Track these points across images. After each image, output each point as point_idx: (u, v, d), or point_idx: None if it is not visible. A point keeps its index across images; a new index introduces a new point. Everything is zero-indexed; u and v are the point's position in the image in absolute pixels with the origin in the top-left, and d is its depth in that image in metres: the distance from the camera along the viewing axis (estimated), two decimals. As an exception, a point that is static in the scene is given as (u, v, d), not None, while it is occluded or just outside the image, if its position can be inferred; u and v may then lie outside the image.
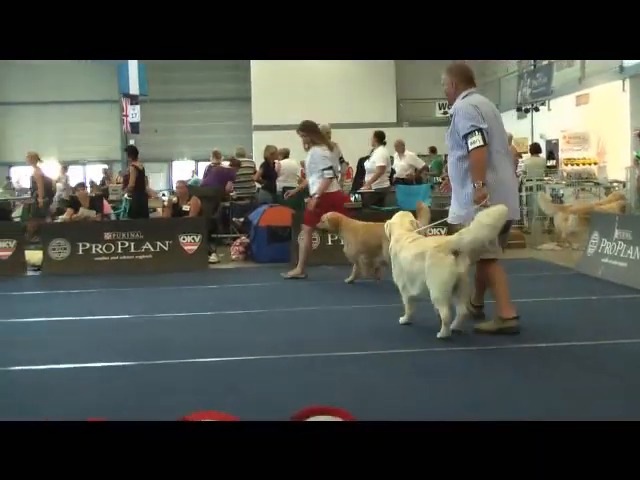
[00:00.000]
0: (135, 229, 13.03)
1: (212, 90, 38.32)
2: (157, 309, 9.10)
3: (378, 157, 15.22)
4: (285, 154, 18.20)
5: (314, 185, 11.25)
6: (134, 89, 28.06)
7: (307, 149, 11.49)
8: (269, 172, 17.00)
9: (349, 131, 25.46)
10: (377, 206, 15.03)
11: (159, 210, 18.17)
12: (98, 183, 28.24)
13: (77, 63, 36.97)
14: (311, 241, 11.56)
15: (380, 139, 15.53)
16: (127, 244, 12.87)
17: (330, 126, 15.71)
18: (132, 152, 16.48)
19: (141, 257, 12.76)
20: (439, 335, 6.71)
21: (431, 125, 34.26)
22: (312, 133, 11.52)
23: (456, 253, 6.57)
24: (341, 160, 16.08)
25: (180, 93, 38.19)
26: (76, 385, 5.74)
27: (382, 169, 15.03)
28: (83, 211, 14.61)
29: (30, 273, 12.93)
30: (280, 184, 17.08)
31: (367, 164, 15.99)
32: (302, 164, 18.65)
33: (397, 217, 7.66)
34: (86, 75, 37.92)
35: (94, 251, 12.86)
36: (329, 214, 10.68)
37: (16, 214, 17.90)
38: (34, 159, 16.95)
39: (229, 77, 38.09)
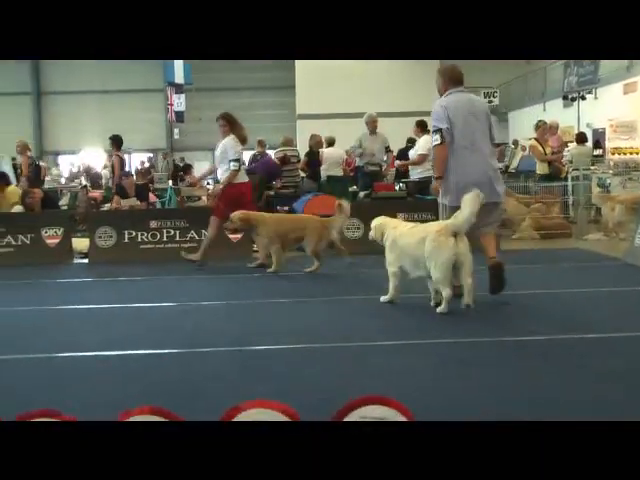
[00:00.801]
0: (180, 217, 13.14)
1: (257, 79, 38.40)
2: (203, 297, 9.15)
3: (420, 146, 15.17)
4: (330, 142, 18.21)
5: (223, 175, 11.57)
6: (179, 78, 28.24)
7: (223, 137, 11.78)
8: (314, 161, 17.01)
9: (395, 120, 25.39)
10: (421, 195, 14.98)
11: (204, 199, 18.25)
12: (144, 171, 28.40)
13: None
14: (216, 232, 11.67)
15: (423, 128, 15.50)
16: (172, 232, 12.97)
17: (376, 115, 15.71)
18: (116, 141, 16.62)
19: (186, 245, 12.81)
20: (439, 310, 7.38)
21: (476, 113, 34.09)
22: (232, 123, 11.78)
23: (455, 235, 7.31)
24: (387, 149, 16.07)
25: (225, 82, 38.32)
26: (123, 372, 5.80)
27: (423, 157, 14.96)
28: (127, 200, 14.74)
29: (77, 260, 13.08)
30: (324, 173, 17.09)
31: (411, 152, 15.97)
32: (346, 152, 18.68)
33: (382, 218, 8.32)
34: (132, 64, 38.14)
35: (140, 239, 12.99)
36: (237, 213, 10.93)
37: (63, 202, 18.09)
38: (24, 149, 17.10)
39: (273, 66, 38.11)
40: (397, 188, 17.10)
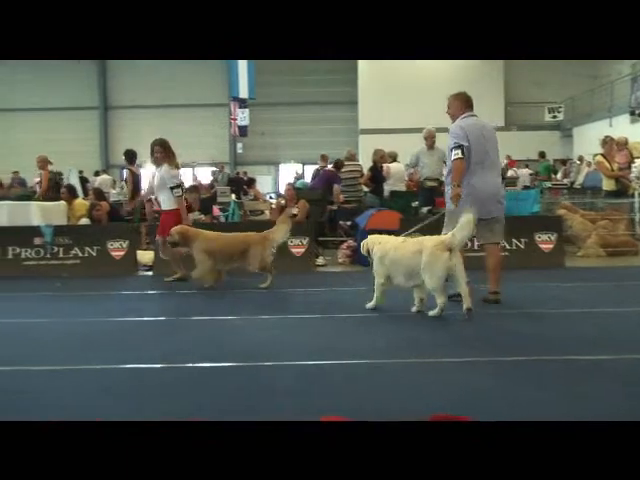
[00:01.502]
0: (243, 231, 13.16)
1: (319, 93, 38.49)
2: (263, 311, 9.17)
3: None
4: (394, 158, 18.18)
5: (165, 202, 12.04)
6: (243, 93, 28.43)
7: (157, 165, 12.03)
8: (377, 176, 17.00)
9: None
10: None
11: (267, 212, 18.34)
12: (207, 185, 28.60)
13: (189, 67, 37.76)
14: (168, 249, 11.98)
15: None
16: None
17: (435, 130, 15.64)
18: (130, 156, 16.72)
19: (249, 259, 12.89)
20: (431, 314, 8.28)
21: (540, 129, 33.79)
22: (167, 150, 12.03)
23: (450, 250, 8.17)
24: (446, 164, 15.96)
25: (287, 96, 38.50)
26: (186, 384, 5.84)
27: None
28: (192, 215, 14.86)
29: (141, 273, 13.22)
30: (388, 188, 17.05)
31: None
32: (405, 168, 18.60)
33: (372, 236, 9.19)
34: (196, 79, 38.60)
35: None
36: (177, 228, 11.26)
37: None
38: (45, 163, 17.31)
39: (336, 80, 38.20)
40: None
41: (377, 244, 8.87)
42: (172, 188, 11.82)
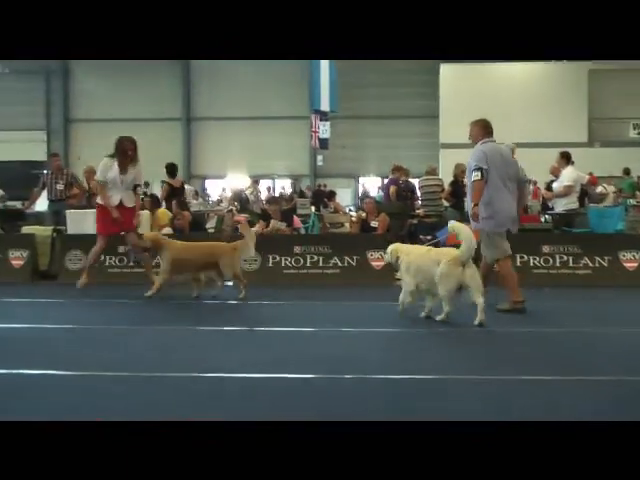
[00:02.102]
0: (324, 244, 13.23)
1: (400, 107, 38.43)
2: (343, 323, 9.17)
3: (566, 177, 14.92)
4: (474, 172, 18.02)
5: (129, 199, 12.11)
6: (325, 105, 28.46)
7: (131, 163, 12.03)
8: (458, 190, 16.87)
9: (537, 150, 24.96)
10: (567, 227, 14.66)
11: (347, 225, 18.35)
12: (287, 197, 28.80)
13: (270, 80, 38.07)
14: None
15: (567, 159, 15.24)
16: (316, 258, 13.08)
17: (514, 145, 15.45)
18: (170, 170, 17.10)
19: (329, 271, 12.94)
20: (438, 318, 9.05)
21: (624, 146, 33.18)
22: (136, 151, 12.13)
23: (463, 264, 8.84)
24: (525, 180, 15.81)
25: (369, 110, 38.53)
26: (267, 393, 5.88)
27: (569, 189, 14.66)
28: (274, 223, 14.92)
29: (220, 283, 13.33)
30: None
31: (555, 185, 15.68)
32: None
33: (396, 244, 9.88)
34: (278, 92, 38.89)
35: (283, 264, 13.16)
36: (150, 234, 11.68)
37: (210, 225, 18.51)
38: (91, 174, 17.53)
39: (417, 94, 38.12)
40: (542, 220, 16.78)
41: (404, 254, 9.47)
42: (138, 186, 12.14)
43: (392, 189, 17.49)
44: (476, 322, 8.74)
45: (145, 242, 11.42)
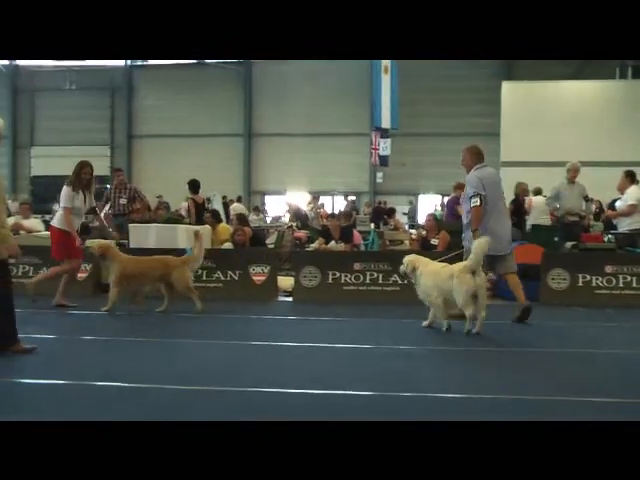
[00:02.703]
0: (383, 261, 13.19)
1: (461, 125, 38.22)
2: (403, 341, 9.13)
3: (630, 196, 14.70)
4: (536, 191, 17.88)
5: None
6: (386, 123, 28.51)
7: (88, 185, 11.97)
8: (519, 209, 16.75)
9: (601, 169, 24.62)
10: (631, 248, 14.43)
11: (406, 242, 18.29)
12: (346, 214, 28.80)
13: (332, 96, 38.22)
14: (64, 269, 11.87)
15: (632, 178, 15.02)
16: (375, 275, 13.05)
17: (579, 164, 15.27)
18: (192, 187, 17.26)
19: (389, 289, 12.90)
20: (466, 329, 9.44)
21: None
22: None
23: (473, 272, 9.43)
24: (586, 199, 15.64)
25: (429, 127, 38.43)
26: (316, 411, 5.86)
27: (633, 208, 14.46)
28: (333, 245, 14.94)
29: (281, 298, 13.37)
30: (530, 221, 16.77)
31: (618, 203, 15.48)
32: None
33: (413, 255, 10.57)
34: (339, 108, 39.00)
35: (343, 280, 13.15)
36: (99, 241, 11.80)
37: (270, 240, 18.58)
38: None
39: (478, 112, 37.89)
40: (606, 239, 16.54)
41: (423, 266, 10.09)
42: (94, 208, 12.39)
43: (459, 209, 17.23)
44: (473, 331, 9.46)
45: (94, 249, 11.46)
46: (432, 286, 9.82)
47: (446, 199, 23.59)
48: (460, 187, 17.85)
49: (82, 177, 11.81)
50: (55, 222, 11.86)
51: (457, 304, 9.55)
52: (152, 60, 41.44)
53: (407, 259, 10.37)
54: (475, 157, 11.02)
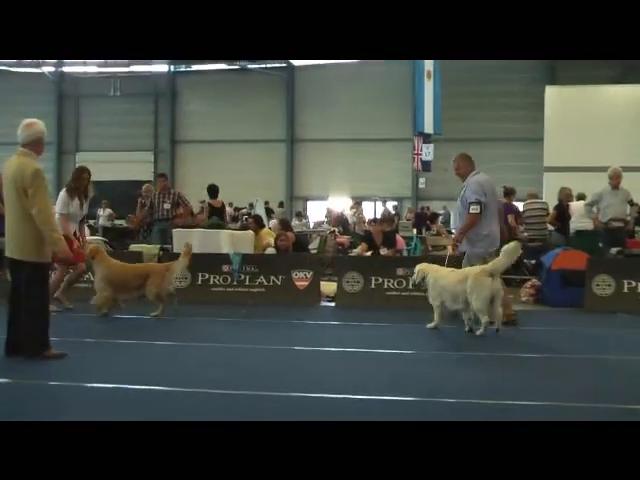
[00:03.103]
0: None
1: (504, 130, 37.99)
2: (445, 347, 9.12)
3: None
4: (579, 196, 17.73)
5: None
6: (429, 128, 28.42)
7: (85, 191, 11.97)
8: (563, 214, 16.62)
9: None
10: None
11: (449, 248, 18.21)
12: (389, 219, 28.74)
13: (374, 102, 38.20)
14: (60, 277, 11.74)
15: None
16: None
17: (620, 170, 15.08)
18: (211, 191, 17.56)
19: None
20: (478, 333, 9.65)
21: None
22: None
23: (492, 275, 9.70)
24: (631, 203, 15.51)
25: (472, 132, 38.20)
26: (358, 416, 5.81)
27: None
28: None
29: (324, 303, 13.38)
30: (573, 226, 16.64)
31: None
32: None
33: (424, 264, 10.85)
34: (381, 114, 38.93)
35: (386, 285, 13.13)
36: (93, 244, 11.92)
37: (312, 246, 18.62)
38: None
39: (521, 117, 37.63)
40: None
41: (433, 272, 10.39)
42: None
43: (511, 218, 16.97)
44: (495, 328, 9.73)
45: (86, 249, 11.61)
46: (440, 291, 10.15)
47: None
48: (511, 193, 17.72)
49: (80, 182, 11.86)
50: None
51: (473, 307, 9.76)
52: (197, 64, 41.89)
53: (417, 268, 10.68)
54: (470, 164, 11.27)
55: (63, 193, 11.79)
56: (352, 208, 30.01)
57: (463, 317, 10.19)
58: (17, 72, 40.38)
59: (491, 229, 10.82)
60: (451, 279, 10.11)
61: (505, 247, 9.94)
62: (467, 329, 10.07)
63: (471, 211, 10.70)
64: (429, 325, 10.29)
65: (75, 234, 11.73)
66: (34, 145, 7.89)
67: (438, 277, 10.27)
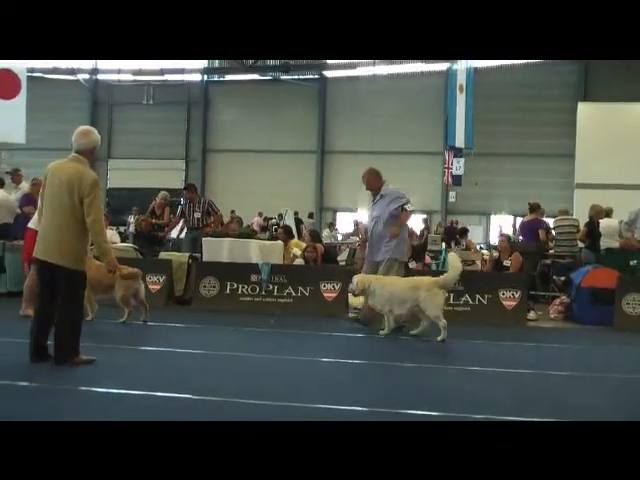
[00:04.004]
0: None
1: (536, 145, 37.79)
2: (471, 362, 9.10)
3: None
4: (607, 213, 17.64)
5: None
6: (460, 142, 28.41)
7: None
8: (594, 231, 16.53)
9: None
10: None
11: (478, 263, 18.20)
12: (418, 233, 28.72)
13: (406, 115, 38.21)
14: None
15: None
16: (447, 294, 12.96)
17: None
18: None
19: (459, 309, 12.84)
20: (439, 338, 10.33)
21: None
22: None
23: (442, 288, 10.62)
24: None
25: (504, 148, 38.06)
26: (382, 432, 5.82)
27: None
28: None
29: (351, 315, 13.36)
30: (604, 244, 16.55)
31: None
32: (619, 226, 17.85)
33: (361, 275, 11.33)
34: (411, 126, 38.89)
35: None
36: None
37: (342, 257, 18.64)
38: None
39: (553, 133, 37.44)
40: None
41: (375, 280, 10.94)
42: None
43: (542, 234, 16.89)
44: (439, 338, 10.34)
45: None
46: (389, 297, 10.70)
47: (519, 220, 23.40)
48: (536, 208, 17.64)
49: None
50: (32, 224, 11.30)
51: (428, 315, 10.54)
52: (230, 73, 42.10)
53: (355, 279, 11.09)
54: (379, 178, 12.25)
55: None
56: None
57: (392, 320, 10.83)
58: (52, 79, 40.70)
59: (403, 236, 11.82)
60: (402, 285, 10.82)
61: (451, 259, 11.14)
62: (394, 327, 10.86)
63: (408, 208, 11.69)
64: (382, 332, 10.87)
65: None
66: (88, 153, 7.96)
67: (385, 284, 10.86)
